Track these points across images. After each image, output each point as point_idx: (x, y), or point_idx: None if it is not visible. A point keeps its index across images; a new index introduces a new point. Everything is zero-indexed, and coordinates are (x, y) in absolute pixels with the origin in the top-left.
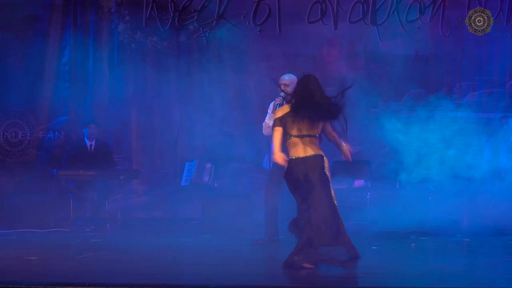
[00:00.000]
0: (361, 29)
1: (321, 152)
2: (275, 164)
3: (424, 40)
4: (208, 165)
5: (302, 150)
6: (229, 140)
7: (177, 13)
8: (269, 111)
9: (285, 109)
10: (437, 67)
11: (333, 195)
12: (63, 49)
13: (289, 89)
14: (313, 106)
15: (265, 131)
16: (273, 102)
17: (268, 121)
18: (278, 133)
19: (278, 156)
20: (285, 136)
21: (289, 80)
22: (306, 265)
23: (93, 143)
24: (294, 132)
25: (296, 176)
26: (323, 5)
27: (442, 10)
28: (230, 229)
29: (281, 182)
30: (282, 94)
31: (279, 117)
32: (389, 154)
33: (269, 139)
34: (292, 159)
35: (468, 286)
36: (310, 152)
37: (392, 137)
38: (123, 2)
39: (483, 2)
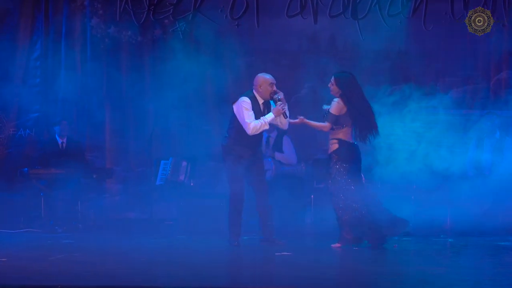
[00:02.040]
0: (341, 23)
1: None
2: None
3: (406, 35)
4: (184, 163)
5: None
6: (206, 138)
7: (152, 7)
8: (248, 107)
9: (343, 107)
10: (419, 62)
11: None
12: (34, 44)
13: None
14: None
15: (256, 131)
16: (248, 100)
17: (268, 123)
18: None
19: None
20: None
21: None
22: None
23: (65, 140)
24: (349, 124)
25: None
26: None
27: (425, 4)
28: (206, 230)
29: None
30: (279, 96)
31: (338, 115)
32: (370, 151)
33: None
34: (354, 143)
35: None
36: None
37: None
38: None
39: None
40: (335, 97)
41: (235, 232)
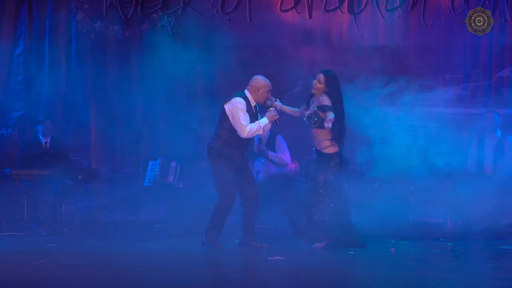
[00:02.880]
0: (337, 18)
1: None
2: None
3: (405, 30)
4: (173, 164)
5: None
6: (196, 138)
7: (140, 1)
8: (244, 109)
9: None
10: (418, 59)
11: None
12: (17, 39)
13: None
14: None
15: (251, 135)
16: (243, 101)
17: (262, 127)
18: None
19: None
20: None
21: None
22: None
23: (49, 140)
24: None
25: None
26: None
27: None
28: (196, 233)
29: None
30: (271, 102)
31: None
32: (367, 151)
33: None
34: None
35: None
36: None
37: (370, 133)
38: None
39: None
40: (321, 96)
41: (216, 234)
